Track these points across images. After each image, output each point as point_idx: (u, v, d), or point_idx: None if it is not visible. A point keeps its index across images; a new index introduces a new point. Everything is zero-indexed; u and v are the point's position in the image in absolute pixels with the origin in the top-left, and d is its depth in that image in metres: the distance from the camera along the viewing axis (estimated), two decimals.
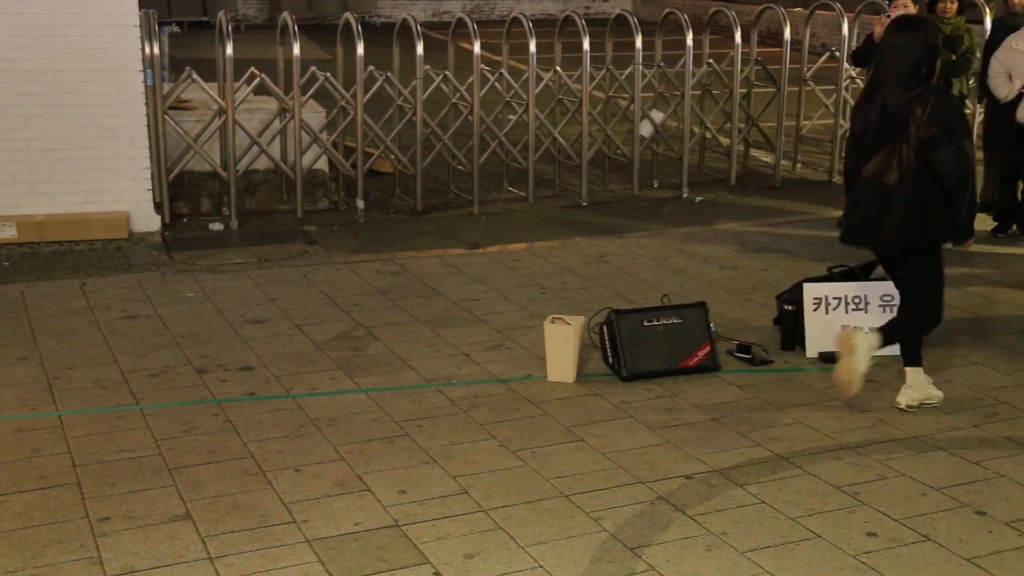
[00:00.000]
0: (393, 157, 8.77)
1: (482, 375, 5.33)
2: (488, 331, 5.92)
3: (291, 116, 8.16)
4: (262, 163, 8.35)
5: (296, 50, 8.06)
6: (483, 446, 4.57)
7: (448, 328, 5.95)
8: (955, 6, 7.89)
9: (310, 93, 8.35)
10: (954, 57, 7.78)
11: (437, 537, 3.85)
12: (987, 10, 9.80)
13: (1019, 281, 6.65)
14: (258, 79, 8.15)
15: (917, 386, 4.90)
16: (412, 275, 6.90)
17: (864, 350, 4.65)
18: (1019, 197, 7.61)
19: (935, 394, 4.92)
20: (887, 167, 4.64)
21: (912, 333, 4.91)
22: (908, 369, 4.93)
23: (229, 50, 7.83)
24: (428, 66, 8.50)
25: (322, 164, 8.56)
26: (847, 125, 8.83)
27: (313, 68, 8.42)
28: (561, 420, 4.82)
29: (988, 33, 8.41)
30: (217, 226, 7.99)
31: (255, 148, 8.18)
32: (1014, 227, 7.62)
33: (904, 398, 4.89)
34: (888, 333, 4.80)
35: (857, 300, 5.57)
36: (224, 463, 4.39)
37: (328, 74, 8.46)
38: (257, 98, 8.51)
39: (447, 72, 8.89)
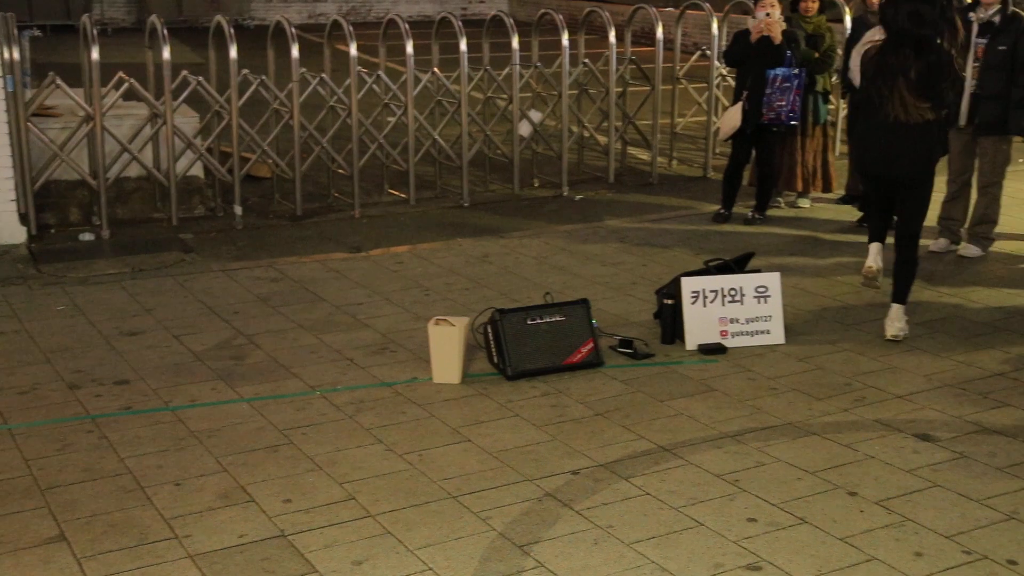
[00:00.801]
0: (271, 161, 8.63)
1: (367, 379, 5.30)
2: (372, 335, 5.88)
3: (163, 122, 7.95)
4: (134, 170, 8.12)
5: (166, 54, 7.87)
6: (369, 451, 4.55)
7: (331, 333, 5.89)
8: (816, 5, 8.17)
9: (182, 98, 8.16)
10: (817, 55, 8.06)
11: (325, 545, 3.81)
12: (847, 9, 10.17)
13: (884, 269, 6.90)
14: (127, 84, 7.92)
15: (901, 319, 5.75)
16: (293, 281, 6.81)
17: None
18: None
19: (906, 330, 5.79)
20: (900, 108, 5.56)
21: (915, 270, 5.84)
22: (896, 305, 5.78)
23: (95, 54, 7.59)
24: (304, 69, 8.39)
25: (197, 170, 8.38)
26: (719, 122, 9.10)
27: (185, 72, 8.24)
28: (448, 421, 4.82)
29: (848, 31, 8.72)
30: (88, 236, 7.74)
31: (126, 155, 7.95)
32: None
33: (892, 330, 5.73)
34: (903, 291, 5.79)
35: (733, 292, 5.72)
36: (100, 481, 4.26)
37: (200, 78, 8.28)
38: (126, 104, 8.27)
39: (323, 75, 8.80)
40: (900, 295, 5.79)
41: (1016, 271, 6.92)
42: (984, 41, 6.91)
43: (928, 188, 5.78)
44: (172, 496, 4.14)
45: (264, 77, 8.56)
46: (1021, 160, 10.00)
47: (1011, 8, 6.94)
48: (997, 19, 6.88)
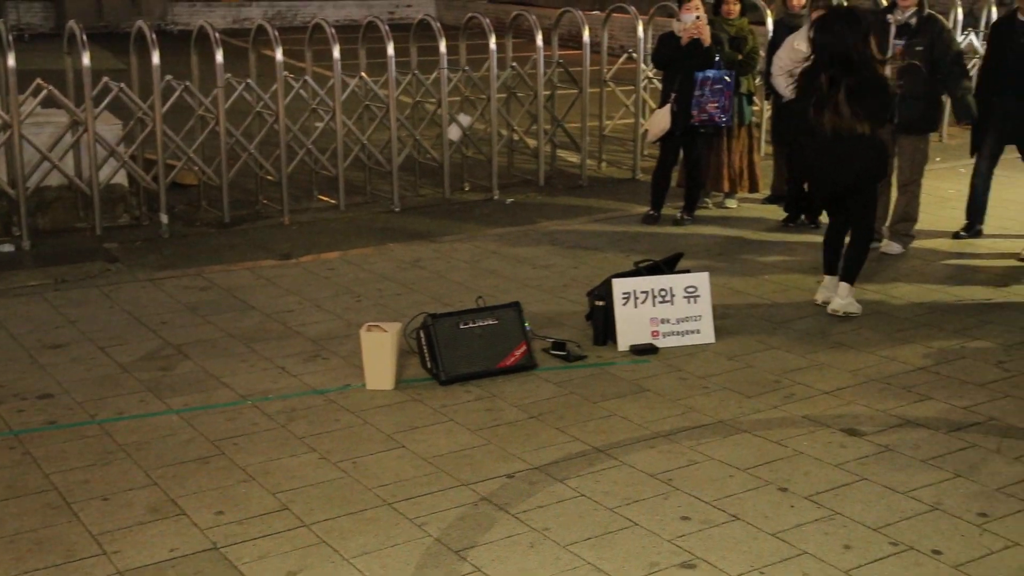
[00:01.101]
0: (197, 169, 8.51)
1: (299, 387, 5.25)
2: (304, 342, 5.83)
3: (84, 129, 7.80)
4: (55, 179, 7.94)
5: (86, 60, 7.71)
6: (303, 459, 4.50)
7: (262, 342, 5.83)
8: (738, 8, 8.30)
9: (104, 105, 8.01)
10: (740, 57, 8.18)
11: (258, 556, 3.76)
12: (768, 12, 10.34)
13: (809, 267, 7.04)
14: (45, 91, 7.75)
15: (847, 296, 6.11)
16: (222, 289, 6.72)
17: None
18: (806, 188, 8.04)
19: (857, 308, 6.11)
20: (840, 124, 5.87)
21: (864, 258, 6.18)
22: (844, 283, 6.12)
23: (11, 61, 7.42)
24: (229, 74, 8.29)
25: (121, 178, 8.22)
26: (647, 125, 9.19)
27: (106, 79, 8.08)
28: (382, 428, 4.80)
29: (770, 34, 8.87)
30: (7, 247, 7.55)
31: (46, 164, 7.77)
32: (803, 217, 8.06)
33: (834, 304, 6.10)
34: (851, 271, 6.13)
35: (663, 293, 5.78)
36: (24, 498, 4.16)
37: (122, 84, 8.13)
38: (45, 111, 8.08)
39: (249, 80, 8.70)
40: (849, 275, 6.15)
41: (936, 267, 7.09)
42: (902, 42, 7.08)
43: (876, 188, 6.27)
44: (100, 511, 4.06)
45: (188, 83, 8.44)
46: (938, 159, 10.26)
47: (927, 10, 7.12)
48: (913, 20, 7.05)
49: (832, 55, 5.84)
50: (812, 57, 6.03)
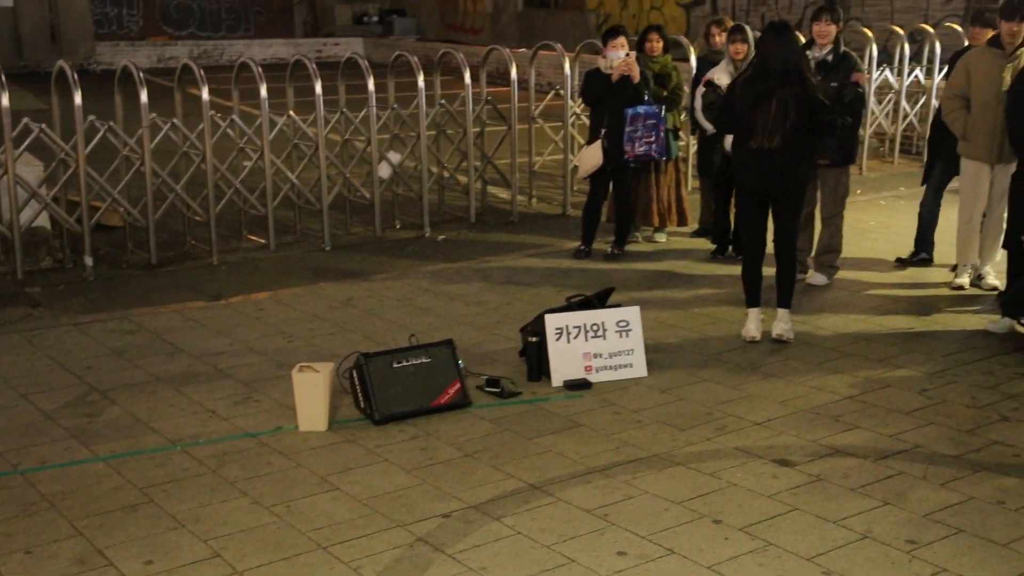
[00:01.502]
0: (122, 210, 8.38)
1: (230, 431, 5.17)
2: (234, 385, 5.75)
3: (3, 171, 7.64)
4: None
5: (5, 100, 7.57)
6: (235, 505, 4.43)
7: (191, 385, 5.73)
8: (661, 45, 8.46)
9: (24, 146, 7.86)
10: (665, 93, 8.32)
11: None
12: (692, 48, 10.55)
13: (739, 300, 7.14)
14: None
15: (786, 320, 6.35)
16: (150, 332, 6.60)
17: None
18: (732, 220, 8.20)
19: (791, 333, 6.38)
20: (773, 132, 6.07)
21: (794, 279, 6.44)
22: (782, 309, 6.36)
23: None
24: (154, 114, 8.20)
25: (43, 221, 8.06)
26: (576, 160, 9.29)
27: (26, 119, 7.93)
28: (315, 470, 4.74)
29: (694, 70, 9.05)
30: None
31: None
32: (730, 249, 8.19)
33: (778, 329, 6.33)
34: (787, 294, 6.38)
35: (595, 327, 5.81)
36: None
37: (43, 125, 7.99)
38: None
39: (175, 120, 8.61)
40: (786, 299, 6.39)
41: (861, 298, 7.25)
42: (819, 78, 7.26)
43: (802, 199, 6.47)
44: (22, 565, 3.94)
45: (112, 123, 8.32)
46: (859, 191, 10.52)
47: (843, 47, 7.33)
48: (830, 57, 7.25)
49: (779, 64, 6.04)
50: (753, 65, 6.24)
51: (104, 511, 4.36)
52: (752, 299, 6.41)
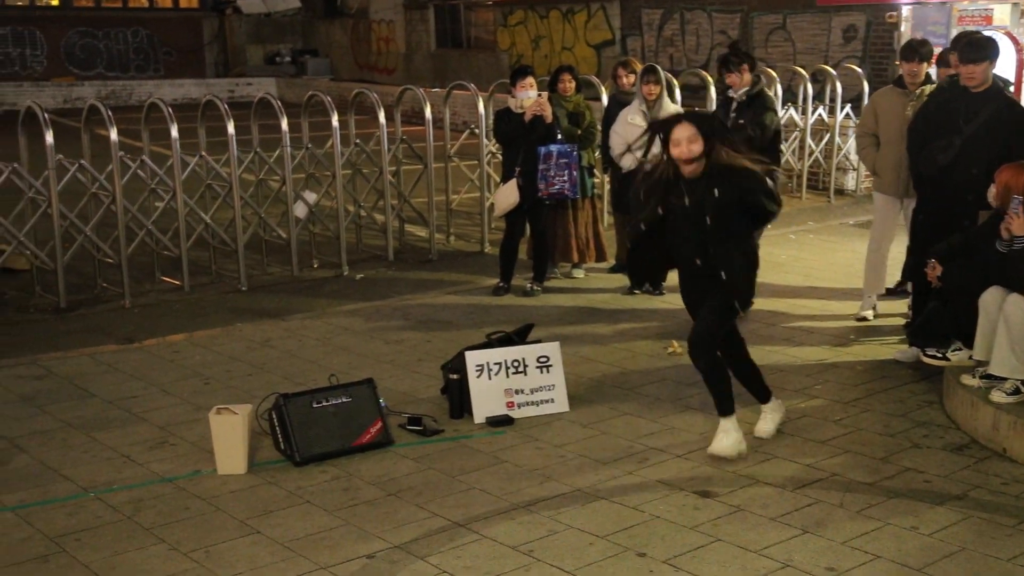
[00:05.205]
0: (28, 253, 8.16)
1: (146, 476, 5.04)
2: (149, 429, 5.62)
3: None
4: None
5: None
6: (151, 551, 4.32)
7: (104, 430, 5.59)
8: (573, 85, 8.59)
9: None
10: (580, 131, 8.44)
11: None
12: (603, 88, 10.73)
13: (655, 333, 7.24)
14: None
15: (776, 408, 5.54)
16: (60, 377, 6.42)
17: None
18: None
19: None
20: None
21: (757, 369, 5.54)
22: (764, 404, 5.52)
23: None
24: (61, 155, 8.03)
25: None
26: (492, 198, 9.34)
27: None
28: (235, 514, 4.65)
29: (605, 109, 9.20)
30: None
31: None
32: (647, 284, 8.30)
33: (769, 428, 5.48)
34: (759, 390, 5.50)
35: (516, 363, 5.83)
36: None
37: None
38: None
39: (83, 160, 8.44)
40: (764, 392, 5.48)
41: (776, 330, 7.40)
42: (732, 117, 7.47)
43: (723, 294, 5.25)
44: None
45: (16, 165, 8.13)
46: (769, 226, 10.75)
47: (758, 87, 7.52)
48: (744, 97, 7.46)
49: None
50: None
51: (13, 563, 4.21)
52: (727, 409, 5.27)
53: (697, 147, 4.98)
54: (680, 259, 5.29)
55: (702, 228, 5.07)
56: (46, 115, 7.93)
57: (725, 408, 5.23)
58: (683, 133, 4.98)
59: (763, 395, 5.52)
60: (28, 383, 6.32)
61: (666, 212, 5.17)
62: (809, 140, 12.52)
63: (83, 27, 26.68)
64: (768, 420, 5.51)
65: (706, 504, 4.72)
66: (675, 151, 5.01)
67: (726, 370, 5.30)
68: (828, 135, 12.66)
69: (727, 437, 5.20)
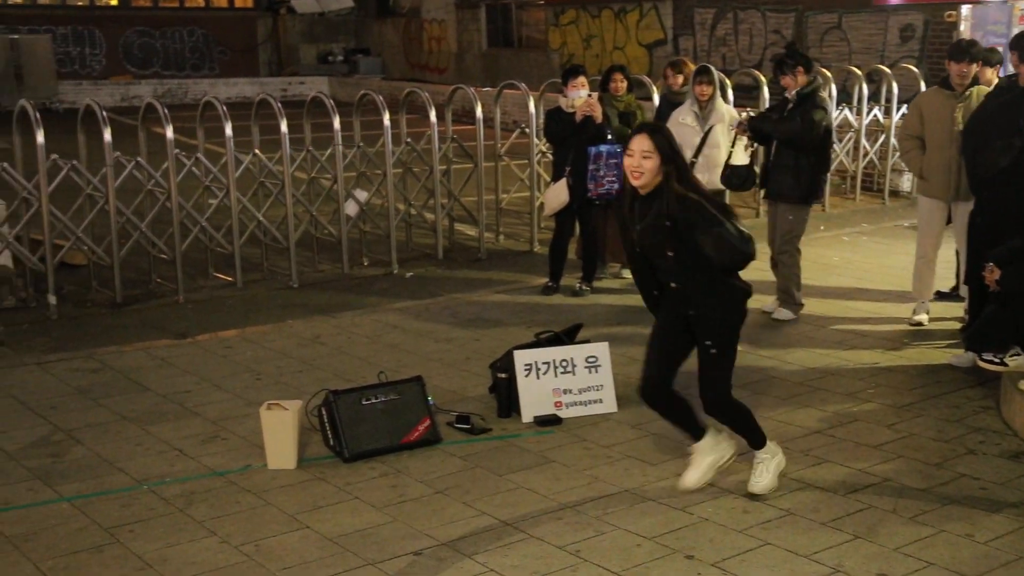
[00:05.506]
0: (86, 248, 8.31)
1: (198, 470, 5.10)
2: (202, 423, 5.69)
3: None
4: None
5: None
6: (203, 544, 4.37)
7: (158, 424, 5.67)
8: (625, 84, 8.55)
9: None
10: (630, 131, 8.38)
11: None
12: (655, 88, 10.68)
13: None
14: None
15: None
16: (115, 371, 6.52)
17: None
18: None
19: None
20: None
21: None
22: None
23: None
24: (118, 152, 8.16)
25: (6, 260, 7.97)
26: (541, 198, 9.34)
27: None
28: (284, 508, 4.69)
29: (656, 108, 9.16)
30: None
31: None
32: None
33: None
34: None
35: (565, 363, 5.82)
36: None
37: (6, 164, 7.93)
38: None
39: (139, 158, 8.57)
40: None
41: (827, 332, 7.31)
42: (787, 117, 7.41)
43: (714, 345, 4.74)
44: None
45: (75, 162, 8.28)
46: (823, 227, 10.66)
47: (808, 88, 7.40)
48: (794, 97, 7.38)
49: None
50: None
51: (69, 552, 4.29)
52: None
53: (649, 164, 4.47)
54: (664, 279, 4.71)
55: (669, 260, 4.57)
56: (104, 113, 8.06)
57: (759, 441, 4.79)
58: (639, 145, 4.51)
59: (698, 431, 4.81)
60: (85, 376, 6.43)
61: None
62: (864, 141, 12.37)
63: (141, 26, 27.12)
64: (699, 465, 4.76)
65: (755, 507, 4.68)
66: (627, 161, 4.56)
67: (746, 408, 4.81)
68: (883, 136, 12.49)
69: (767, 469, 4.77)
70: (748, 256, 4.53)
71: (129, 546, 4.34)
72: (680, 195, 4.47)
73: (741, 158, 7.60)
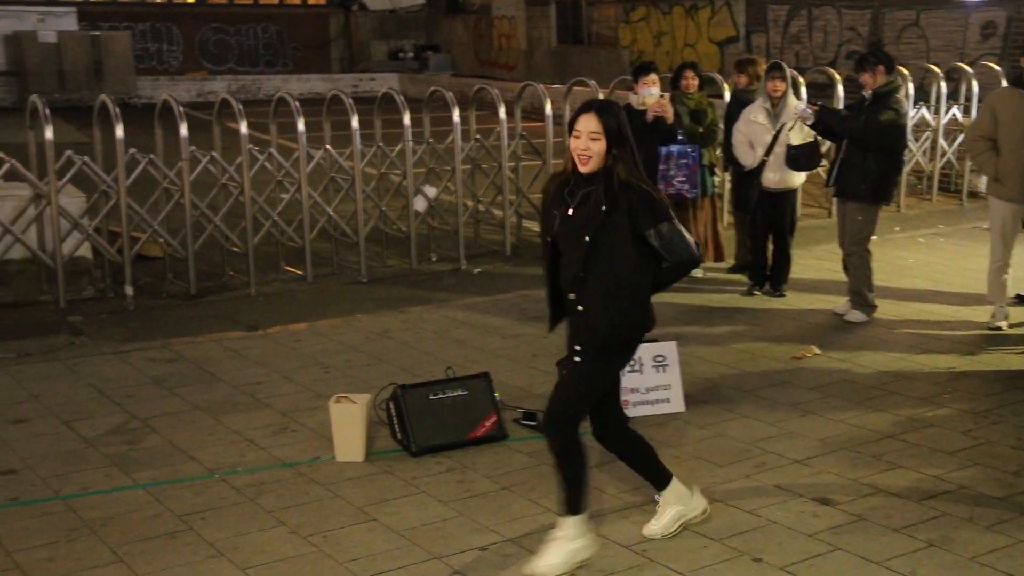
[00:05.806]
0: (162, 241, 8.47)
1: (268, 460, 5.18)
2: (272, 414, 5.77)
3: (47, 202, 7.75)
4: (17, 252, 7.88)
5: (49, 133, 7.71)
6: (272, 534, 4.43)
7: (230, 414, 5.76)
8: (696, 82, 8.48)
9: (67, 178, 7.98)
10: (701, 130, 8.34)
11: None
12: (726, 86, 10.56)
13: (775, 336, 7.10)
14: (7, 164, 7.72)
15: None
16: (189, 361, 6.64)
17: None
18: (769, 256, 8.17)
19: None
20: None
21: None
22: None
23: None
24: (194, 147, 8.30)
25: (85, 251, 8.17)
26: None
27: (69, 152, 8.06)
28: (352, 500, 4.74)
29: (726, 106, 9.06)
30: None
31: (8, 237, 7.71)
32: (767, 284, 8.15)
33: (657, 526, 4.40)
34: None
35: (632, 362, 5.77)
36: None
37: (86, 158, 8.12)
38: (7, 184, 8.04)
39: (214, 152, 8.72)
40: (659, 479, 4.42)
41: (900, 335, 7.17)
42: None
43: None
44: None
45: (152, 156, 8.45)
46: (897, 228, 10.46)
47: (889, 87, 7.25)
48: (870, 96, 7.26)
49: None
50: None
51: (144, 538, 4.38)
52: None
53: (598, 147, 4.01)
54: (563, 286, 4.19)
55: (581, 249, 4.06)
56: (181, 108, 8.21)
57: (573, 505, 4.13)
58: (586, 125, 4.02)
59: (660, 479, 4.40)
60: (160, 366, 6.56)
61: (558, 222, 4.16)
62: (942, 140, 12.11)
63: (216, 23, 27.61)
64: (664, 515, 4.37)
65: (825, 511, 4.61)
66: (573, 143, 4.06)
67: (584, 457, 4.18)
68: (961, 136, 12.21)
69: (560, 550, 4.08)
70: (697, 258, 4.23)
71: (201, 533, 4.42)
72: (626, 182, 4.03)
73: (797, 139, 7.60)
